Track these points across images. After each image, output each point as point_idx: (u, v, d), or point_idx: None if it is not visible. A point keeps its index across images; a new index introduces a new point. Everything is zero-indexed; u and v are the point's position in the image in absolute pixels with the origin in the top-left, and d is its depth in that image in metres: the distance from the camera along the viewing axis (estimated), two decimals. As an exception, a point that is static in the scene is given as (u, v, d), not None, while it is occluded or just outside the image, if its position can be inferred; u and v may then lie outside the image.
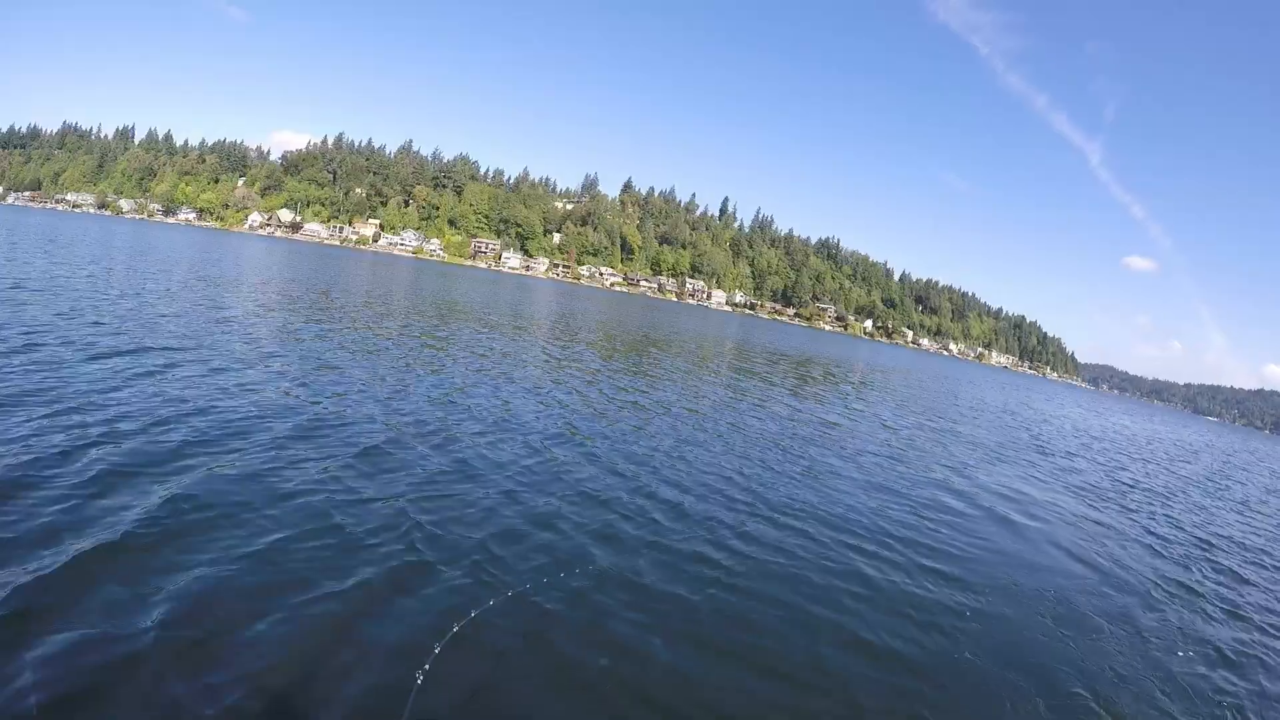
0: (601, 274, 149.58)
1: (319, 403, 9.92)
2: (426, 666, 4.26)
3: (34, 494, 5.65)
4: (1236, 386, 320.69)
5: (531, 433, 10.54)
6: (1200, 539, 13.23)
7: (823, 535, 8.31)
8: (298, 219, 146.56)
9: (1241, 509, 18.95)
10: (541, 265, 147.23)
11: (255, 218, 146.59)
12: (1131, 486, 18.93)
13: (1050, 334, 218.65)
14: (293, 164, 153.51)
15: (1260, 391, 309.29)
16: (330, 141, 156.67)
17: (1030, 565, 8.99)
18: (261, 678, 3.98)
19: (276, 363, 12.32)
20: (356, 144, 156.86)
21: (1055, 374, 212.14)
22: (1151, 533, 12.84)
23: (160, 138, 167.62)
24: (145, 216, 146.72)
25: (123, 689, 3.71)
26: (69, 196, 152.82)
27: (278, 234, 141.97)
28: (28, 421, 7.17)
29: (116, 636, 4.09)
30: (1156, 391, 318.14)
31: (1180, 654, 7.13)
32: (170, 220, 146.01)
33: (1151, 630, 7.62)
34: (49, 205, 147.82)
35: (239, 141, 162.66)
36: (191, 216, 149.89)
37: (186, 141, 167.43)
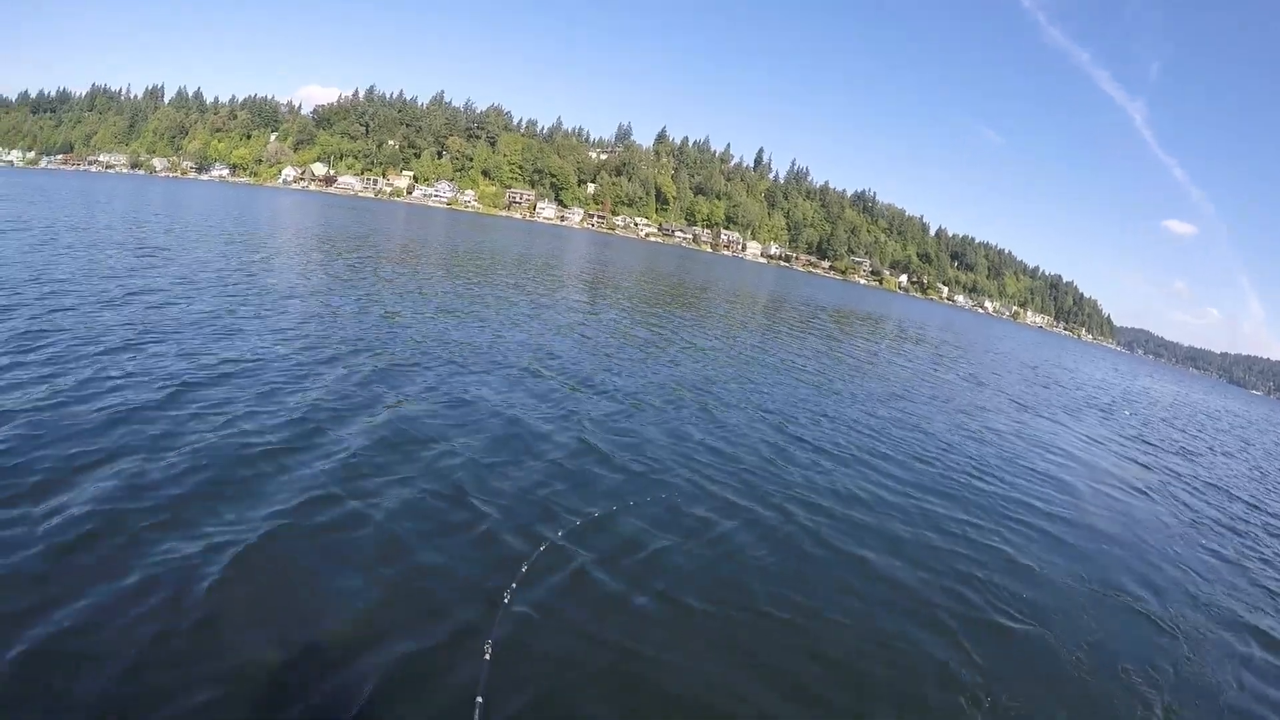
0: (636, 224, 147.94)
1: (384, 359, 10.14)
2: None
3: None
4: (1275, 359, 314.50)
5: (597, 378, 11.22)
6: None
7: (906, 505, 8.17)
8: (331, 172, 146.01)
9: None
10: (576, 215, 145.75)
11: (289, 172, 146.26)
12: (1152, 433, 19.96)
13: (1087, 295, 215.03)
14: (325, 118, 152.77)
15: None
16: (361, 95, 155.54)
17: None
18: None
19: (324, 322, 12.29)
20: (388, 96, 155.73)
21: (1090, 336, 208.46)
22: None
23: (190, 96, 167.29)
24: (179, 174, 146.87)
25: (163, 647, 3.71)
26: (102, 157, 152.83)
27: (311, 188, 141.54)
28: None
29: (165, 599, 4.07)
30: (1192, 359, 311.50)
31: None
32: (204, 177, 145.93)
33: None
34: (82, 167, 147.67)
35: (270, 97, 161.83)
36: (225, 173, 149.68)
37: (217, 99, 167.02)
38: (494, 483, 6.32)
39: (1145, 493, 12.12)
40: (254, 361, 8.87)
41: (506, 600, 4.38)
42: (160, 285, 13.30)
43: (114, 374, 7.61)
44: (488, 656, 3.71)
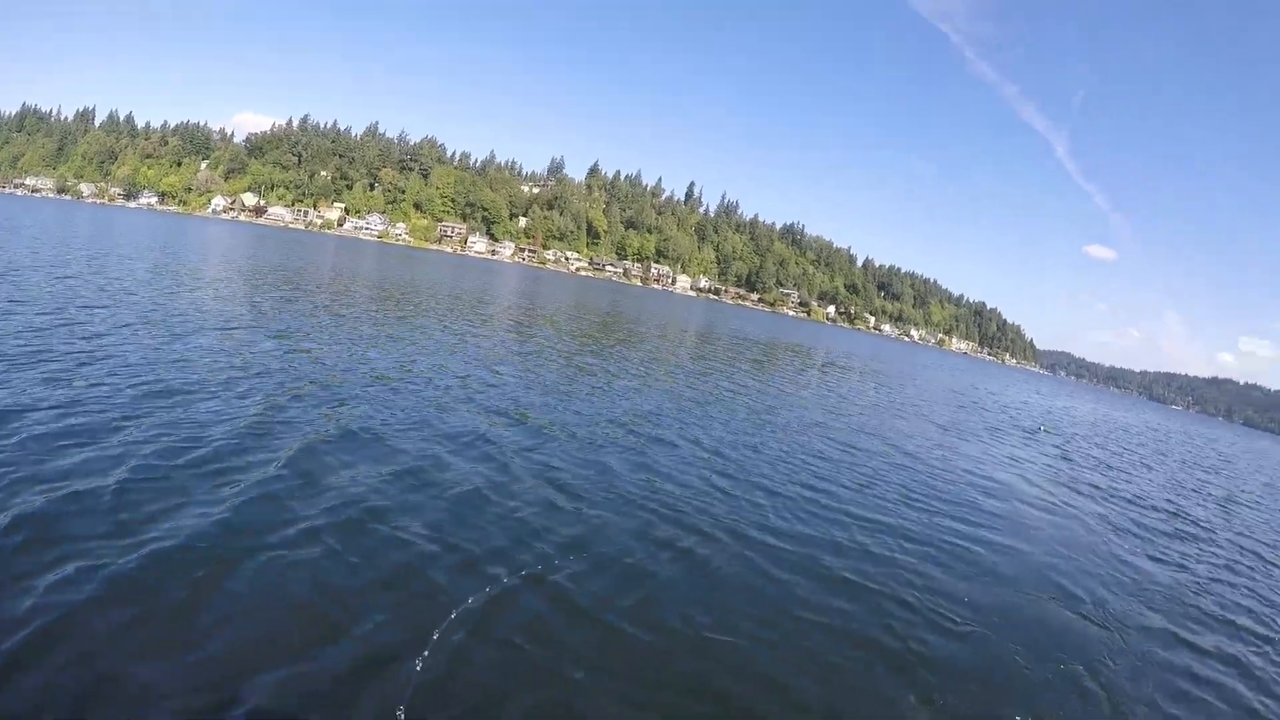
0: (567, 258, 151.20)
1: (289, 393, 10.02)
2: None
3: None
4: (1191, 374, 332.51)
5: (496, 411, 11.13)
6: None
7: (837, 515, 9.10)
8: (261, 203, 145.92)
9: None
10: (508, 250, 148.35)
11: (219, 201, 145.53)
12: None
13: (1010, 321, 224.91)
14: (257, 146, 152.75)
15: (1214, 379, 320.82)
16: (295, 123, 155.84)
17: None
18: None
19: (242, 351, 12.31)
20: (322, 126, 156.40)
21: (1014, 360, 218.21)
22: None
23: (121, 120, 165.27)
24: (106, 201, 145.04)
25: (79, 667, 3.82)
26: (28, 180, 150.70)
27: (241, 218, 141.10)
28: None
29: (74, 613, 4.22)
30: (1113, 378, 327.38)
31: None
32: (132, 205, 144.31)
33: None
34: (7, 190, 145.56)
35: (202, 123, 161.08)
36: (154, 200, 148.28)
37: (149, 123, 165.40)
38: (411, 514, 6.45)
39: (1065, 505, 13.27)
40: (170, 393, 8.80)
41: (435, 629, 4.53)
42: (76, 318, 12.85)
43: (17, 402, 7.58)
44: (414, 680, 3.94)
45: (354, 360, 13.17)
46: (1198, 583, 9.90)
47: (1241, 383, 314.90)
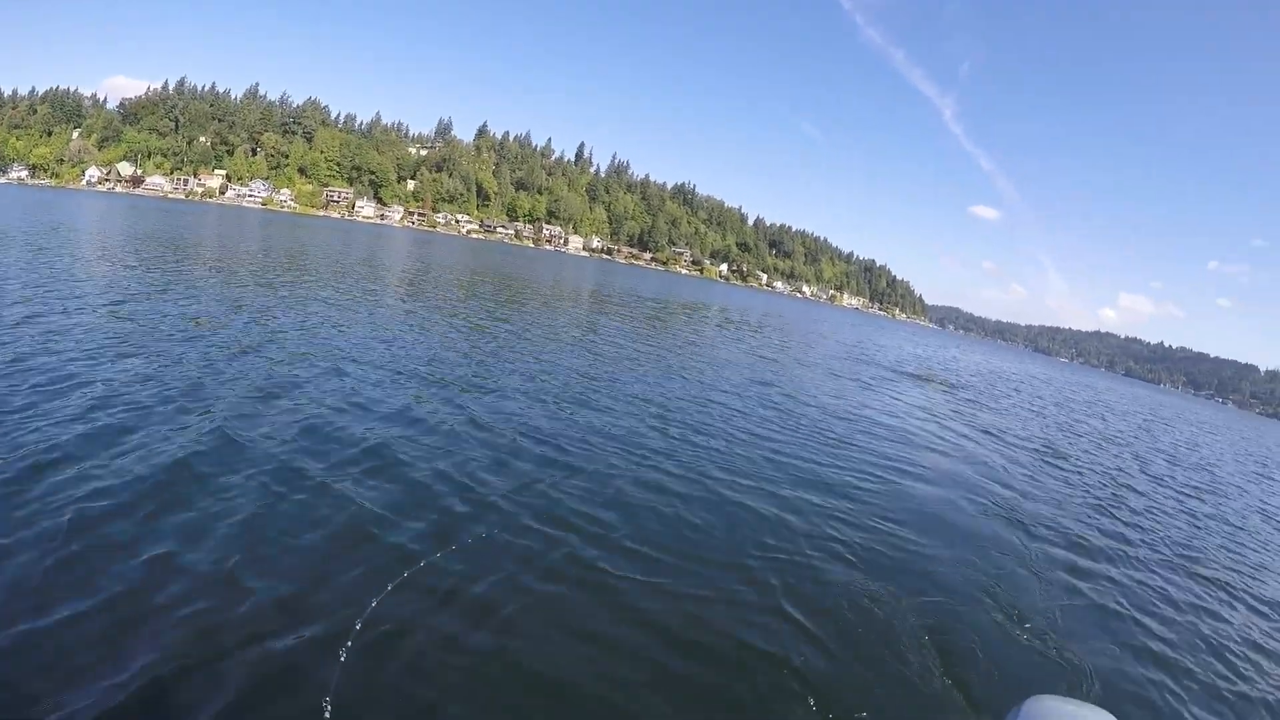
0: (458, 221, 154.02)
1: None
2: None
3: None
4: (1075, 328, 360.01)
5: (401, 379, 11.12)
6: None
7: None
8: (139, 172, 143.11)
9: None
10: (396, 214, 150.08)
11: (93, 173, 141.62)
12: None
13: (899, 277, 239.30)
14: (131, 112, 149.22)
15: (1096, 333, 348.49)
16: (171, 87, 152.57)
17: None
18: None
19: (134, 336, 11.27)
20: (200, 89, 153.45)
21: (904, 315, 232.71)
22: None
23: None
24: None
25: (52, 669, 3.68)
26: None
27: (118, 189, 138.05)
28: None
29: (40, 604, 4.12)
30: (1000, 332, 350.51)
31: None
32: (1, 180, 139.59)
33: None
34: None
35: (73, 89, 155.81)
36: (24, 174, 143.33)
37: (15, 91, 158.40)
38: (313, 484, 6.39)
39: (961, 443, 15.29)
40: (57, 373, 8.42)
41: (366, 609, 4.50)
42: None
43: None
44: (343, 660, 3.91)
45: (240, 331, 12.74)
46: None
47: (1123, 336, 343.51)
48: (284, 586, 4.74)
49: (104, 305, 13.23)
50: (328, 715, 3.56)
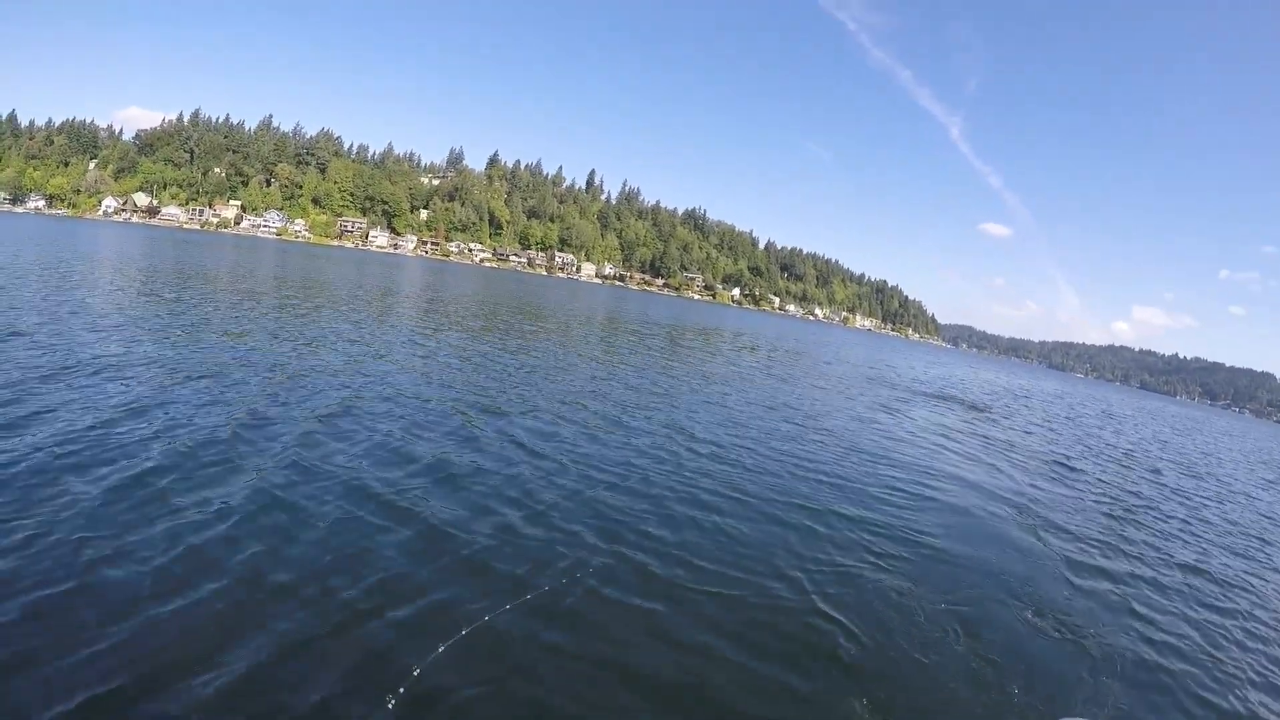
0: (470, 250, 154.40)
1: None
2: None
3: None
4: (1088, 343, 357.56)
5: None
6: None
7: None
8: (154, 203, 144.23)
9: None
10: (410, 243, 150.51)
11: (110, 203, 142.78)
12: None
13: (911, 297, 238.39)
14: (147, 143, 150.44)
15: (1110, 347, 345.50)
16: (186, 118, 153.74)
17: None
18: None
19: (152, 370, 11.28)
20: (214, 120, 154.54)
21: (916, 335, 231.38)
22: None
23: (4, 119, 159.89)
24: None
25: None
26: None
27: (134, 219, 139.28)
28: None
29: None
30: (1014, 349, 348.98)
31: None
32: (19, 210, 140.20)
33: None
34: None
35: (89, 121, 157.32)
36: (41, 204, 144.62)
37: (33, 122, 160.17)
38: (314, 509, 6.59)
39: (978, 460, 15.42)
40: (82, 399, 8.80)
41: (453, 611, 5.07)
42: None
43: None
44: (440, 653, 4.48)
45: (250, 357, 13.23)
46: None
47: (1137, 349, 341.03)
48: (375, 589, 5.34)
49: (145, 336, 13.97)
50: (426, 703, 4.07)
